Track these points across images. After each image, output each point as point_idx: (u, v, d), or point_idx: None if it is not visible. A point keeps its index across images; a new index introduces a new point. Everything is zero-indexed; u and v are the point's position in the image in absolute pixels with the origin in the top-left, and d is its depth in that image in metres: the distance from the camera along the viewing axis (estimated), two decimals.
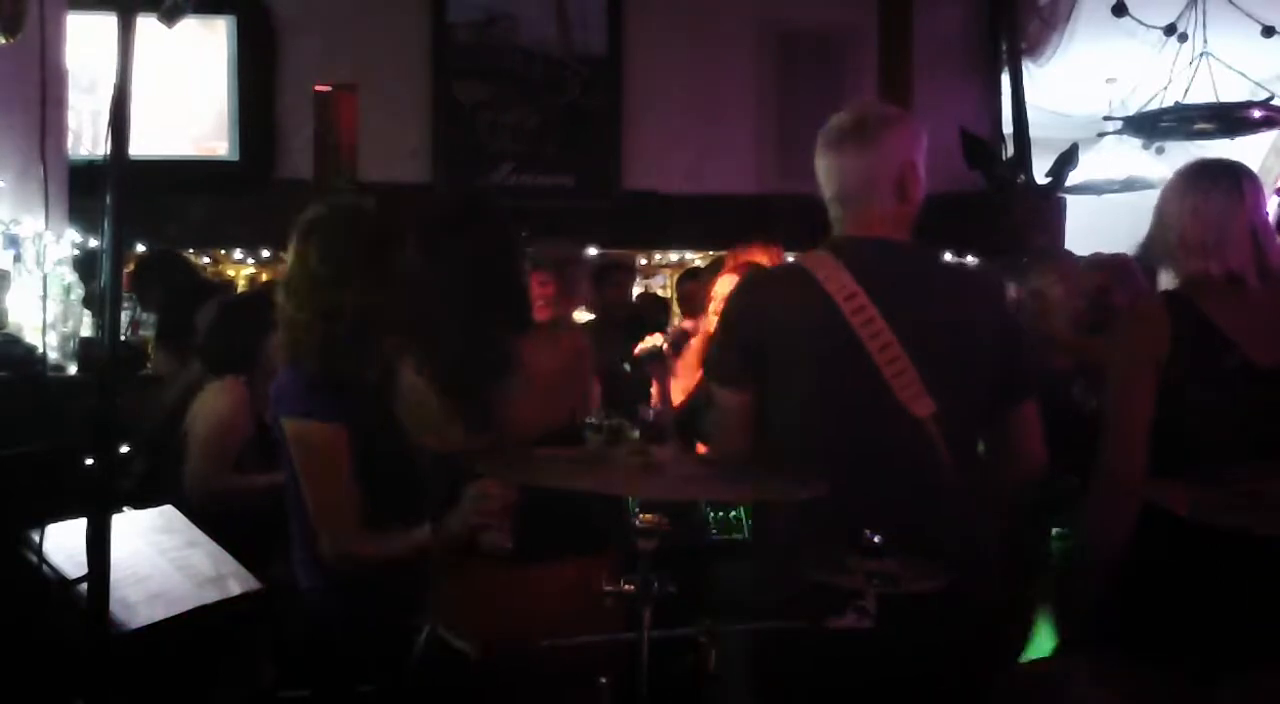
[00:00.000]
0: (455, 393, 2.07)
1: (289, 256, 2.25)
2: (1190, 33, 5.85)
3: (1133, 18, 5.81)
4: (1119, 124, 6.48)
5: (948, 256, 2.22)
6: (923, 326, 1.97)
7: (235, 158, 6.36)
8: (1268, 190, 2.76)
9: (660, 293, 7.24)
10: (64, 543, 1.98)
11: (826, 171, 2.09)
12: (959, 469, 1.97)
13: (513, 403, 2.09)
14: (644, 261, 7.03)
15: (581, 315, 3.94)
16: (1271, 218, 2.79)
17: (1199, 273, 2.28)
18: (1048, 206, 6.35)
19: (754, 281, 2.33)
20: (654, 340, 3.55)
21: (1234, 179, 2.32)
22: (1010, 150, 6.48)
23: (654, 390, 3.56)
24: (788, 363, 2.01)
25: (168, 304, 4.27)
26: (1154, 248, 2.39)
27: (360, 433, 2.14)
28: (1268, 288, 2.27)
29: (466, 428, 2.08)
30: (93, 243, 4.80)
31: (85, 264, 4.74)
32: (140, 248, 5.77)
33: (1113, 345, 2.42)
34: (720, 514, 3.14)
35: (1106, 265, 3.52)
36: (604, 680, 1.73)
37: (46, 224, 4.19)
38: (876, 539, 1.64)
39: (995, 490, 2.10)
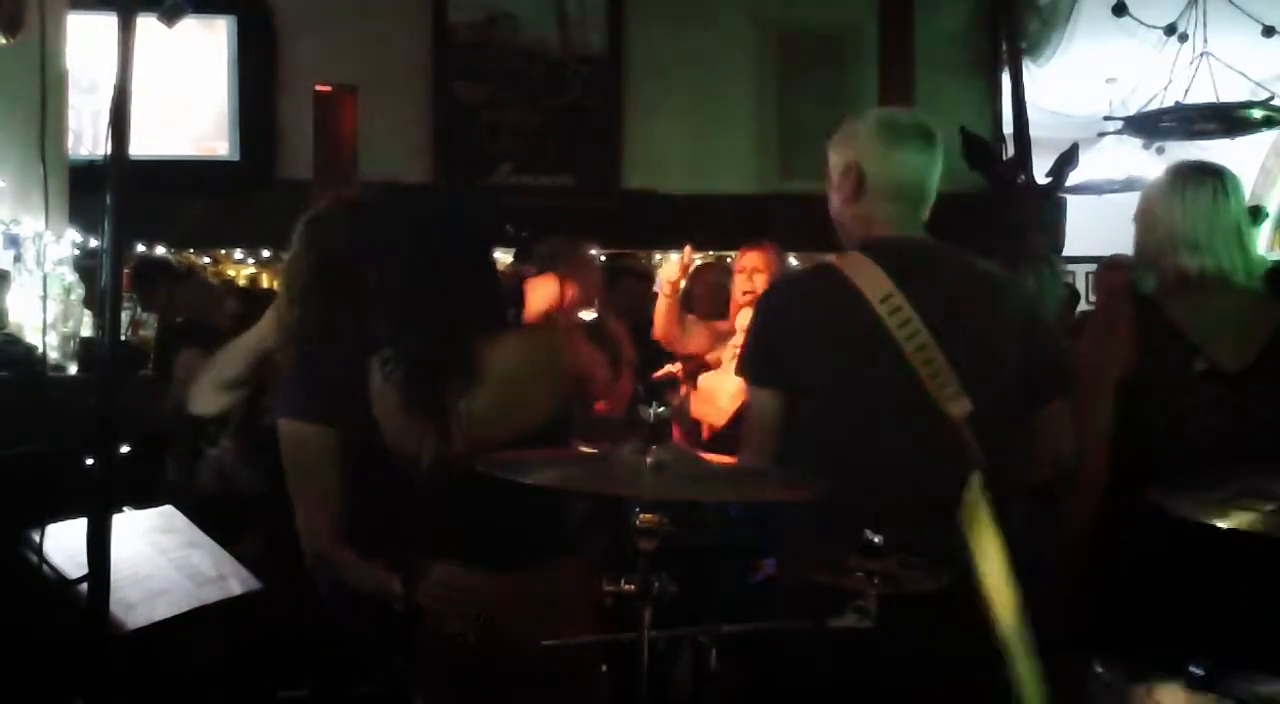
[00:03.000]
0: (419, 398, 2.06)
1: (289, 257, 2.25)
2: (1190, 33, 5.85)
3: (1133, 18, 5.81)
4: (1119, 124, 6.48)
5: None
6: (956, 326, 1.96)
7: (235, 158, 6.36)
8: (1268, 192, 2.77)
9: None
10: (64, 543, 1.98)
11: (905, 166, 2.05)
12: (990, 469, 1.97)
13: (480, 405, 2.07)
14: (643, 262, 7.04)
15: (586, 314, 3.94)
16: (1272, 217, 2.79)
17: (1186, 270, 2.29)
18: (1048, 206, 6.34)
19: (788, 282, 2.32)
20: (671, 368, 3.59)
21: (1219, 179, 2.34)
22: (1010, 150, 6.47)
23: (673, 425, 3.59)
24: (822, 363, 2.01)
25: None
26: (1141, 248, 2.40)
27: (356, 440, 2.13)
28: (1235, 292, 2.29)
29: (432, 434, 2.06)
30: (93, 243, 4.80)
31: (86, 264, 4.74)
32: (140, 248, 5.79)
33: (1080, 350, 2.43)
34: (720, 514, 3.14)
35: (1129, 265, 3.54)
36: (604, 669, 1.73)
37: (46, 224, 4.20)
38: (877, 539, 1.64)
39: (1015, 490, 2.10)
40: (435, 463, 2.01)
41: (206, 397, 2.68)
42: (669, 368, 3.66)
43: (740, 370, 2.14)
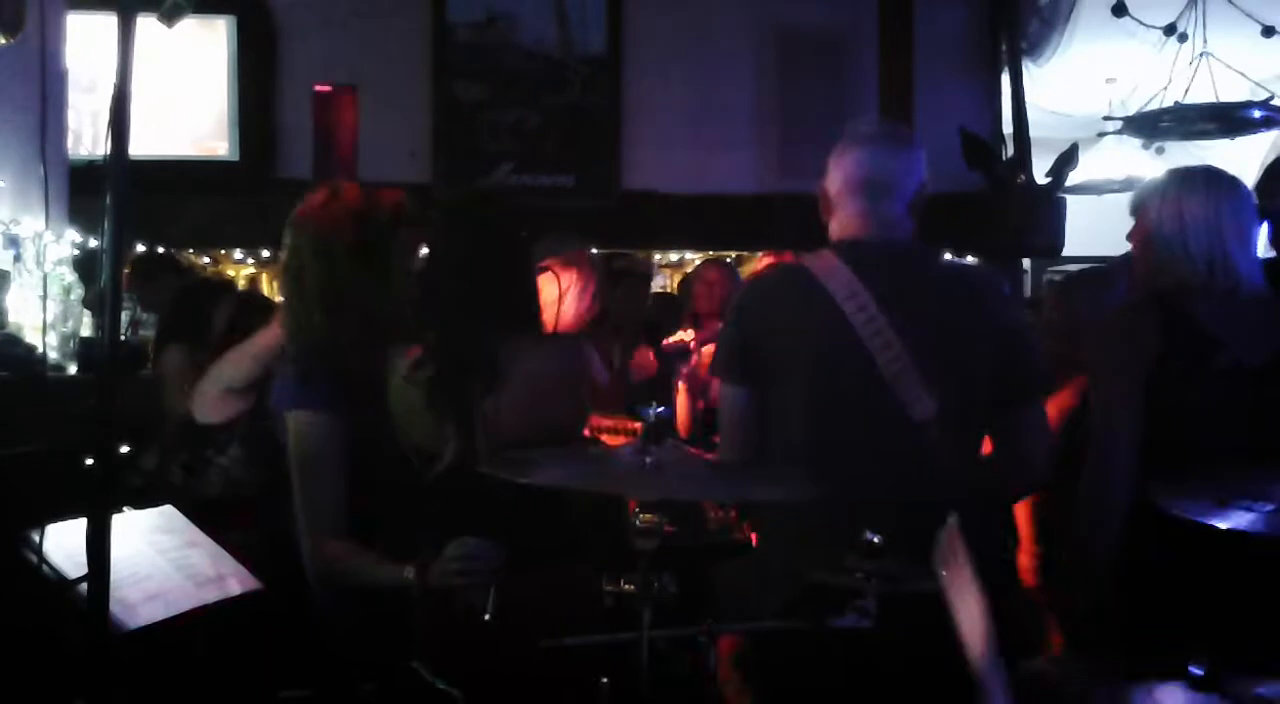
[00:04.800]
0: (444, 397, 2.06)
1: (287, 247, 2.25)
2: (1190, 33, 5.85)
3: (1133, 18, 5.81)
4: (1119, 124, 6.49)
5: (948, 256, 2.26)
6: (926, 327, 1.97)
7: (235, 158, 6.36)
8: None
9: (660, 292, 7.25)
10: (64, 543, 1.98)
11: (856, 162, 2.09)
12: (959, 470, 1.97)
13: (504, 407, 2.08)
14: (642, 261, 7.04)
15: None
16: None
17: (1218, 271, 2.28)
18: (1048, 206, 6.35)
19: (757, 281, 2.34)
20: (684, 336, 3.60)
21: (1243, 188, 2.36)
22: (1010, 150, 6.48)
23: (680, 386, 3.60)
24: (790, 361, 2.03)
25: (179, 302, 4.24)
26: (1158, 249, 2.38)
27: (360, 434, 2.13)
28: (1252, 292, 2.30)
29: (454, 433, 2.07)
30: (93, 243, 4.80)
31: (85, 264, 4.74)
32: (140, 248, 5.79)
33: (1101, 350, 2.42)
34: (720, 514, 3.14)
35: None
36: (605, 680, 1.73)
37: (46, 224, 4.20)
38: (876, 539, 1.65)
39: (996, 492, 2.10)
40: (455, 461, 2.02)
41: (213, 404, 2.69)
42: (680, 336, 3.67)
43: (712, 368, 2.17)
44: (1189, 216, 2.31)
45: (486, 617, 1.89)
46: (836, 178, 2.12)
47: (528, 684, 1.98)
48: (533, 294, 2.25)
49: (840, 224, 2.12)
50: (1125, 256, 2.59)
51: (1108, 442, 2.26)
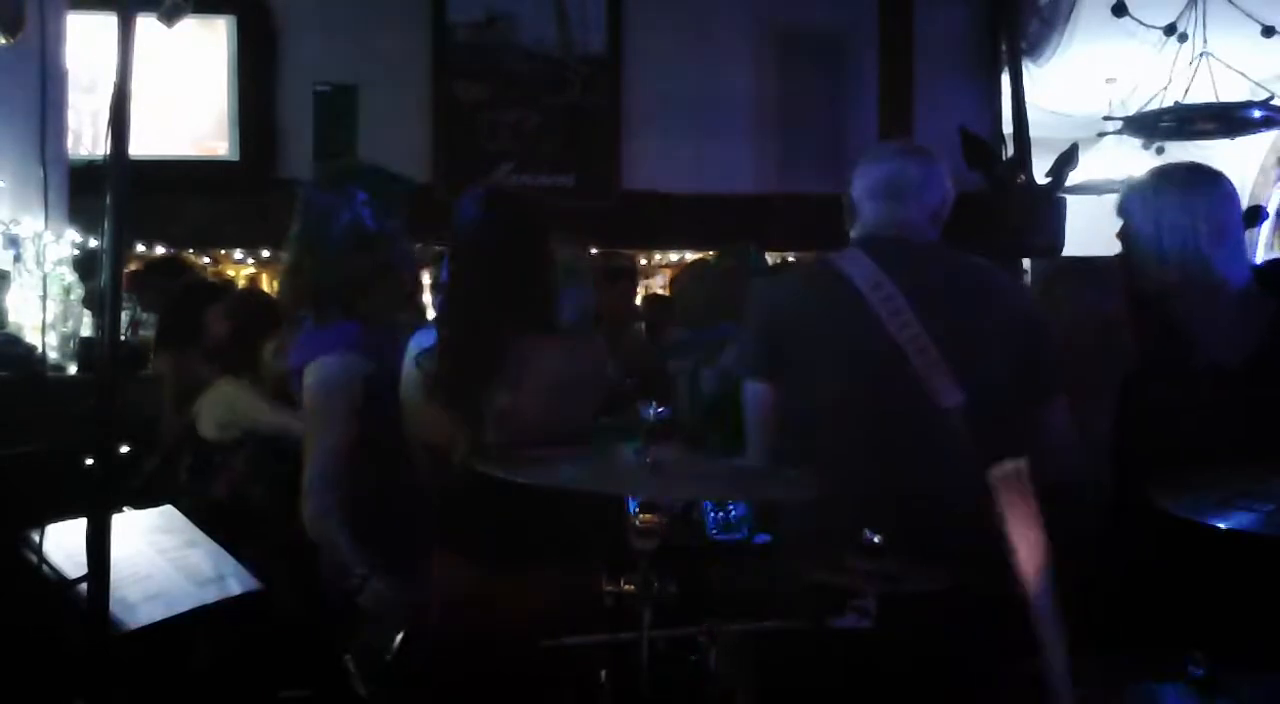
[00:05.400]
0: (452, 390, 2.07)
1: (296, 221, 2.28)
2: (1190, 33, 5.84)
3: (1133, 18, 5.81)
4: (1119, 124, 6.48)
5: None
6: (950, 319, 2.00)
7: (235, 158, 6.36)
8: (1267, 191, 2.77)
9: (660, 292, 7.25)
10: (64, 543, 1.98)
11: (878, 167, 2.15)
12: (983, 462, 1.98)
13: (523, 405, 2.08)
14: (644, 262, 7.03)
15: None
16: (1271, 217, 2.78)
17: (1194, 269, 2.28)
18: (1048, 206, 6.35)
19: (783, 276, 2.36)
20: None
21: (1225, 183, 2.35)
22: (1010, 150, 6.48)
23: (680, 388, 3.61)
24: (815, 353, 2.05)
25: (176, 305, 4.24)
26: (1136, 250, 2.38)
27: (377, 382, 2.15)
28: (1231, 290, 2.29)
29: (462, 427, 2.08)
30: (93, 243, 4.81)
31: (85, 264, 4.74)
32: (140, 248, 5.80)
33: (1080, 350, 2.43)
34: (720, 514, 3.14)
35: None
36: (604, 673, 1.73)
37: (46, 224, 4.20)
38: (876, 539, 1.64)
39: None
40: (466, 457, 2.02)
41: (217, 429, 2.72)
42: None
43: (736, 364, 2.18)
44: (1164, 219, 2.31)
45: (387, 658, 1.89)
46: (859, 184, 2.17)
47: (529, 684, 1.98)
48: (551, 292, 2.24)
49: (862, 226, 2.15)
50: (1120, 256, 2.59)
51: (1086, 441, 2.27)
